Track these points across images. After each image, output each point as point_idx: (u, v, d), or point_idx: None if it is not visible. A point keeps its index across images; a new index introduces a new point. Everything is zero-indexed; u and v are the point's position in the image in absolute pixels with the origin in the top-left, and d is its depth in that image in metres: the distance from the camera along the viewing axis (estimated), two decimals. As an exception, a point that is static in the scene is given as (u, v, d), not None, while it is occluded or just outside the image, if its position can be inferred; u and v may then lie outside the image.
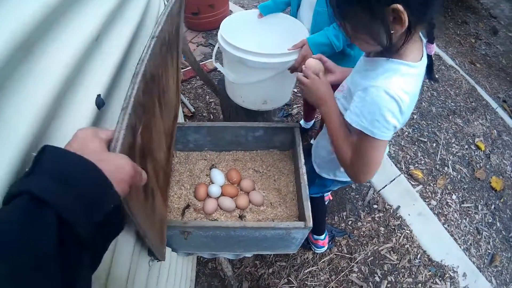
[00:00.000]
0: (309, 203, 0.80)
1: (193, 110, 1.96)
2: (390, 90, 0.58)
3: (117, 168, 0.32)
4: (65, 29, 0.40)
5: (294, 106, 2.11)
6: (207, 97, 2.11)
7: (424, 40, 0.64)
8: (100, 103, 0.44)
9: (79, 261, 0.26)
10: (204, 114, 2.00)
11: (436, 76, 0.67)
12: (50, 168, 0.27)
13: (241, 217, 0.91)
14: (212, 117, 1.97)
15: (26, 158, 0.32)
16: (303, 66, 0.76)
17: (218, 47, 1.08)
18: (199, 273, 1.27)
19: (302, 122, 1.93)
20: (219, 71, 2.22)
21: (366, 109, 0.61)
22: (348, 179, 0.95)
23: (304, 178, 0.82)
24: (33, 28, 0.33)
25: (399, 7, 0.51)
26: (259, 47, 1.01)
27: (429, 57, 0.65)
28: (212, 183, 0.94)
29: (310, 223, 0.75)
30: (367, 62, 0.68)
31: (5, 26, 0.30)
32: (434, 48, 0.64)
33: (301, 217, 0.78)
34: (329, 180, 0.98)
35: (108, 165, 0.30)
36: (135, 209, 0.41)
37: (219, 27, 1.08)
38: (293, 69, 1.05)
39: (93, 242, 0.28)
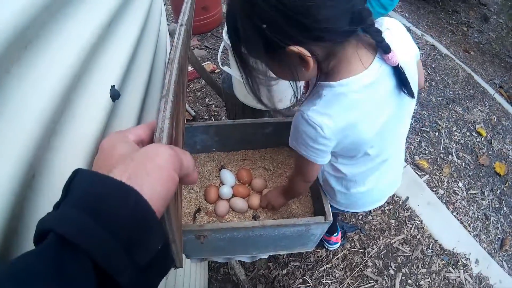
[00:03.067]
0: (327, 196, 0.78)
1: (193, 113, 1.92)
2: (305, 114, 0.56)
3: (158, 167, 0.25)
4: (73, 15, 0.35)
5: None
6: (207, 99, 2.07)
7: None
8: (116, 94, 0.40)
9: None
10: (205, 117, 1.96)
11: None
12: (82, 197, 0.22)
13: (254, 217, 0.88)
14: (213, 120, 1.94)
15: (29, 165, 0.27)
16: None
17: (223, 50, 1.04)
18: (211, 280, 1.23)
19: None
20: (217, 72, 2.20)
21: (293, 133, 0.63)
22: (342, 208, 0.88)
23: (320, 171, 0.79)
24: (34, 13, 0.27)
25: (293, 49, 0.46)
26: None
27: (397, 69, 0.54)
28: (223, 184, 0.91)
29: (330, 217, 0.73)
30: None
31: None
32: (395, 57, 0.52)
33: (320, 211, 0.76)
34: None
35: (141, 170, 0.24)
36: (170, 210, 0.37)
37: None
38: None
39: None
